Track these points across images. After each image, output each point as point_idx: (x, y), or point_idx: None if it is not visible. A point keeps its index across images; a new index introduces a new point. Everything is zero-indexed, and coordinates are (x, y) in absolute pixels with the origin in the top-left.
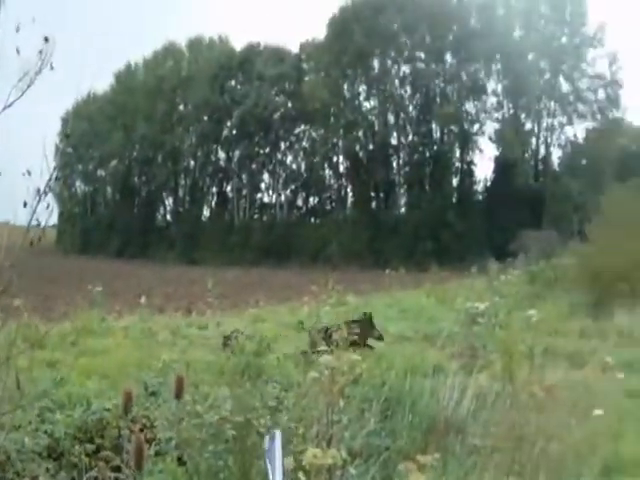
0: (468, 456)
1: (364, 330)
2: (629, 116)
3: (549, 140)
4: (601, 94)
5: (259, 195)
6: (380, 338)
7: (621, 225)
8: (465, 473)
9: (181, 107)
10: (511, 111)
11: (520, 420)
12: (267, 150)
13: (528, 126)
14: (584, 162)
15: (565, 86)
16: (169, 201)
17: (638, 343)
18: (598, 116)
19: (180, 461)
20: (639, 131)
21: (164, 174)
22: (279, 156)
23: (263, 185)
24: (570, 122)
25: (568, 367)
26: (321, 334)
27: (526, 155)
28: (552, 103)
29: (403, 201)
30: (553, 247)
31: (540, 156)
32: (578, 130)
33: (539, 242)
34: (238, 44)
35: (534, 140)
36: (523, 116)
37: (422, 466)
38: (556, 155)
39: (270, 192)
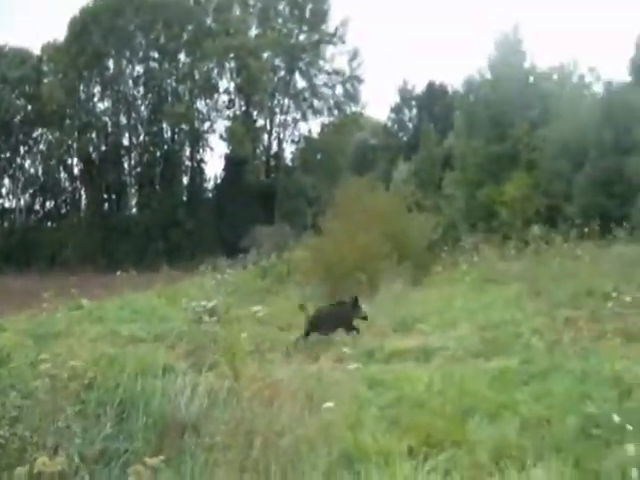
0: (202, 454)
1: (348, 311)
2: (370, 110)
3: (282, 136)
4: (339, 90)
5: (0, 201)
6: (365, 318)
7: (355, 217)
8: (200, 472)
9: None
10: (243, 108)
11: (249, 415)
12: (7, 155)
13: (260, 123)
14: (319, 157)
15: (301, 82)
16: None
17: (375, 330)
18: (335, 111)
19: None
20: (378, 125)
21: None
22: (19, 160)
23: (4, 190)
24: (305, 118)
25: (304, 359)
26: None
27: (258, 151)
28: (286, 100)
29: (134, 202)
30: (286, 241)
31: (272, 152)
32: (313, 125)
33: (271, 237)
34: None
35: (266, 136)
36: (255, 113)
37: (152, 468)
38: (289, 151)
39: (11, 197)
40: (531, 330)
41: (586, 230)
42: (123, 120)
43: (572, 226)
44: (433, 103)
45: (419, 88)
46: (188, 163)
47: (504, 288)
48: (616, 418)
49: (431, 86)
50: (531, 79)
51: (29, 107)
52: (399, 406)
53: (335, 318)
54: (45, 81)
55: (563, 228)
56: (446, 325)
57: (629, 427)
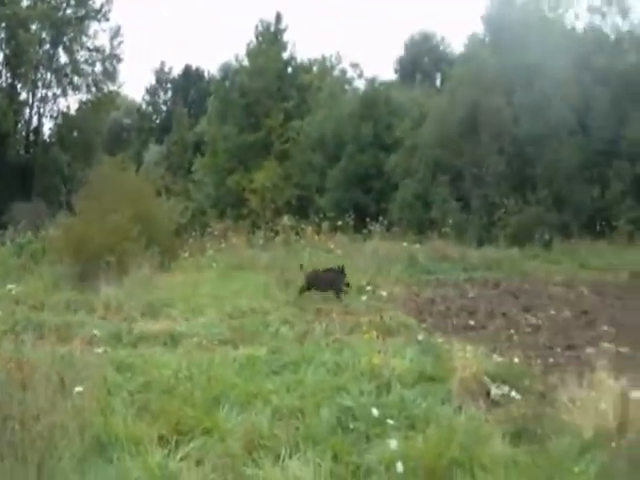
0: None
1: (338, 276)
2: (125, 90)
3: (42, 111)
4: (99, 67)
5: None
6: (348, 285)
7: (106, 197)
8: None
9: None
10: (9, 81)
11: (6, 399)
12: None
13: (23, 96)
14: (75, 134)
15: (64, 58)
16: None
17: (124, 314)
18: (93, 89)
19: None
20: (133, 105)
21: None
22: None
23: None
24: (64, 94)
25: (55, 341)
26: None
27: (19, 126)
28: (49, 74)
29: None
30: (42, 219)
31: (32, 127)
32: (71, 102)
33: (28, 213)
34: None
35: (28, 111)
36: (20, 86)
37: None
38: (48, 126)
39: None
40: (280, 320)
41: (339, 223)
42: None
43: (324, 218)
44: (189, 87)
45: (176, 71)
46: None
47: (252, 276)
48: (375, 412)
49: (187, 70)
50: (289, 70)
51: None
52: (148, 391)
53: (328, 280)
54: None
55: (315, 220)
56: (193, 311)
57: (390, 421)
